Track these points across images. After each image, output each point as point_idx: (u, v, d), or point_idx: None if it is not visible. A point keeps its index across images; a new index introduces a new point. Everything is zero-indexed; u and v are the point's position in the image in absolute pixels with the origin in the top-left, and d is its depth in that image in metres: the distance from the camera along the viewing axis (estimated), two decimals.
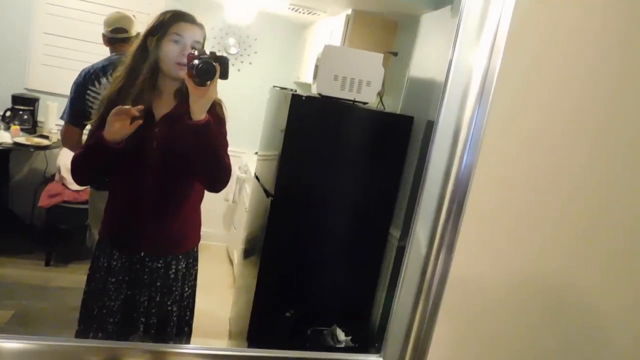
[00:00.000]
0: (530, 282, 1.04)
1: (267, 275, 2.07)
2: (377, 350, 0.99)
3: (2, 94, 3.31)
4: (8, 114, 3.31)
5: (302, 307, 2.02)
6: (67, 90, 2.12)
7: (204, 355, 1.03)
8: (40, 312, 2.59)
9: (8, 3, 3.32)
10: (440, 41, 1.96)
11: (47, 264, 2.96)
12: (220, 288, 3.04)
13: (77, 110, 2.06)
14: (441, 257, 0.93)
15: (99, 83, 2.12)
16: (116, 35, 2.15)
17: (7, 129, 3.22)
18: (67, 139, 2.19)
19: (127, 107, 1.35)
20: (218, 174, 1.46)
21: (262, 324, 2.03)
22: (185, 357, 1.03)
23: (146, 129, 1.41)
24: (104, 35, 2.23)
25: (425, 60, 2.16)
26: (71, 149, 2.24)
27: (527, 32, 0.92)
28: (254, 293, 2.07)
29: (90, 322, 1.51)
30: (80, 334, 1.54)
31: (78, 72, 2.09)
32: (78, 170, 1.48)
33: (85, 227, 3.35)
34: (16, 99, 3.26)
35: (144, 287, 1.50)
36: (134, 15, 2.28)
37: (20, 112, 3.24)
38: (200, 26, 1.45)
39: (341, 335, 2.01)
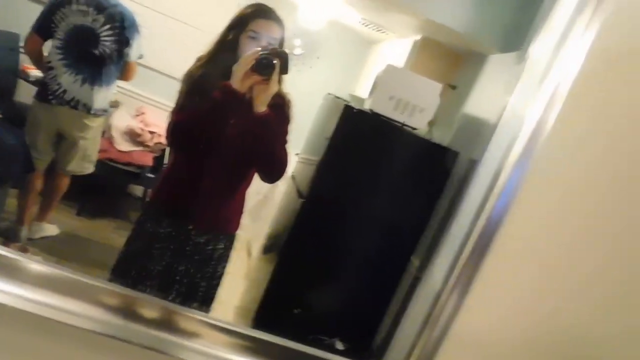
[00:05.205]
0: (543, 338, 1.03)
1: (282, 273, 2.10)
2: None
3: None
4: None
5: (310, 311, 2.04)
6: None
7: (212, 326, 1.04)
8: (67, 254, 2.70)
9: None
10: (501, 85, 1.96)
11: (78, 214, 3.07)
12: (233, 275, 3.08)
13: (46, 25, 2.38)
14: (454, 295, 0.93)
15: (70, 6, 2.35)
16: None
17: None
18: (31, 46, 2.46)
19: None
20: (271, 167, 1.53)
21: (268, 318, 2.06)
22: (194, 322, 1.04)
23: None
24: None
25: (482, 100, 2.16)
26: (31, 56, 2.50)
27: (589, 92, 0.93)
28: (266, 286, 2.11)
29: (126, 281, 1.57)
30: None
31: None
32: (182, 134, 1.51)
33: (120, 187, 3.48)
34: None
35: (184, 258, 1.57)
36: None
37: None
38: (280, 23, 1.50)
39: (340, 346, 2.01)
